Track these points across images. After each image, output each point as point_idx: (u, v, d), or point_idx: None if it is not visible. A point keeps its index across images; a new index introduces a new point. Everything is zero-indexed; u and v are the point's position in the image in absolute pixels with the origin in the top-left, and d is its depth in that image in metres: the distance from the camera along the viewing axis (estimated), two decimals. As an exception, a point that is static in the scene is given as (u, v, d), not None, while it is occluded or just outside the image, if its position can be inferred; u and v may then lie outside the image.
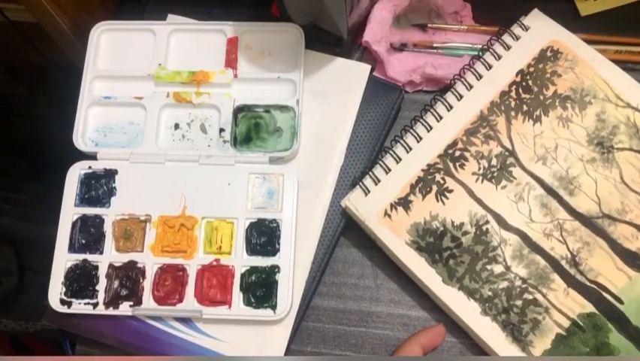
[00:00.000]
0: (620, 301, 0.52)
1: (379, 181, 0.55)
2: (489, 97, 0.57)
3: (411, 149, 0.56)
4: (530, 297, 0.53)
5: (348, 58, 0.60)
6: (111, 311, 0.53)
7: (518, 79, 0.58)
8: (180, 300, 0.53)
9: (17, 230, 0.78)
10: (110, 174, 0.57)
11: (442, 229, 0.54)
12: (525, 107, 0.57)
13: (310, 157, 0.58)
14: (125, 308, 0.53)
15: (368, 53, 0.61)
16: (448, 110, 0.57)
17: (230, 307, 0.53)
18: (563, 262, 0.53)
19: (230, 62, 0.60)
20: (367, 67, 0.60)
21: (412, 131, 0.57)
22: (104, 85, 0.60)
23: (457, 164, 0.56)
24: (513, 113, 0.57)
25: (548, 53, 0.58)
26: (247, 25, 0.61)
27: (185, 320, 0.54)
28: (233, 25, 0.61)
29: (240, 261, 0.54)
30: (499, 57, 0.58)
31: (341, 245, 0.58)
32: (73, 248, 0.55)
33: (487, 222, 0.54)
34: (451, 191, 0.55)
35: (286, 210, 0.56)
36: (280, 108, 0.59)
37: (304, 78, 0.59)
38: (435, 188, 0.55)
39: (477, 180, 0.56)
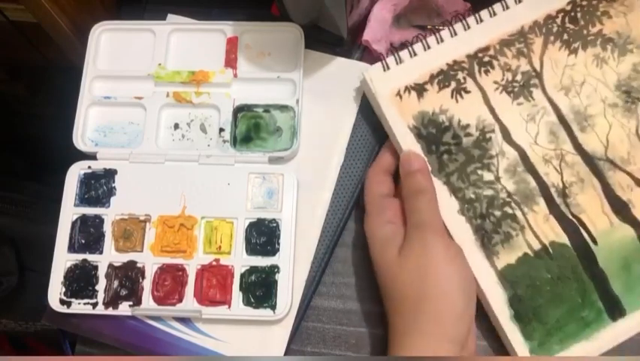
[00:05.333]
0: (595, 242, 0.53)
1: (402, 62, 0.56)
2: (534, 16, 0.57)
3: (442, 41, 0.56)
4: (510, 211, 0.54)
5: (348, 58, 0.60)
6: (111, 311, 0.53)
7: (569, 8, 0.58)
8: (180, 300, 0.53)
9: (17, 230, 0.78)
10: (110, 174, 0.57)
11: (447, 124, 0.55)
12: (566, 36, 0.57)
13: (310, 157, 0.58)
14: (124, 308, 0.53)
15: (368, 52, 0.61)
16: (491, 17, 0.57)
17: (229, 307, 0.53)
18: (553, 190, 0.54)
19: (230, 62, 0.60)
20: (367, 67, 0.59)
21: (449, 26, 0.57)
22: (103, 85, 0.60)
23: (483, 69, 0.56)
24: (552, 38, 0.57)
25: None
26: (247, 25, 0.61)
27: (184, 320, 0.54)
28: (233, 25, 0.61)
29: (240, 261, 0.54)
30: None
31: (341, 245, 0.58)
32: (72, 248, 0.55)
33: (493, 131, 0.55)
34: (468, 92, 0.56)
35: (286, 210, 0.56)
36: (280, 108, 0.59)
37: (304, 78, 0.59)
38: (454, 84, 0.56)
39: (496, 89, 0.56)
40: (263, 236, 0.55)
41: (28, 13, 0.63)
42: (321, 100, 0.59)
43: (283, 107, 0.58)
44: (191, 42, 0.61)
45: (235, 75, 0.59)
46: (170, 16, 0.63)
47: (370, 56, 0.61)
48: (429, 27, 0.61)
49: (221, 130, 0.58)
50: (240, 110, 0.59)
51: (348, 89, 0.59)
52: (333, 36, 0.58)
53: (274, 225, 0.55)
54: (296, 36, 0.60)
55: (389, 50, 0.57)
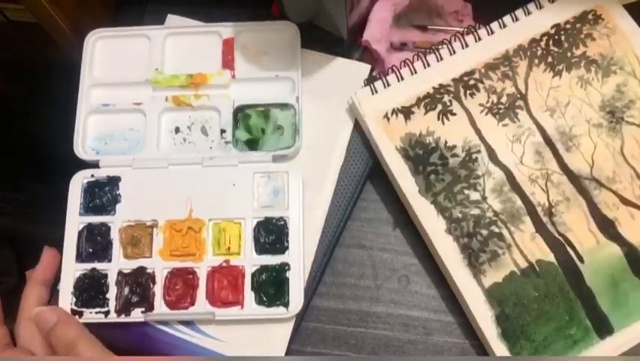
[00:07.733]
0: (581, 260, 0.54)
1: (389, 85, 0.57)
2: (518, 40, 0.59)
3: (429, 65, 0.58)
4: (497, 230, 0.55)
5: (348, 58, 0.60)
6: (123, 319, 0.54)
7: (552, 31, 0.59)
8: (192, 303, 0.54)
9: (17, 230, 0.78)
10: (114, 182, 0.57)
11: (433, 145, 0.56)
12: (550, 59, 0.58)
13: (310, 157, 0.58)
14: (137, 315, 0.53)
15: (368, 52, 0.61)
16: (476, 42, 0.58)
17: (242, 307, 0.54)
18: (539, 209, 0.55)
19: (228, 63, 0.60)
20: (367, 67, 0.60)
21: (435, 51, 0.58)
22: (101, 92, 0.60)
23: (469, 92, 0.57)
24: (536, 61, 0.58)
25: (590, 16, 0.59)
26: (242, 26, 0.60)
27: (187, 321, 0.54)
28: (228, 26, 0.60)
29: (250, 260, 0.55)
30: (541, 7, 0.59)
31: (341, 245, 0.58)
32: (80, 258, 0.55)
33: (479, 152, 0.56)
34: (454, 114, 0.57)
35: (293, 208, 0.56)
36: (280, 106, 0.59)
37: (304, 78, 0.59)
38: (440, 107, 0.57)
39: (482, 111, 0.57)
40: (271, 235, 0.55)
41: (28, 13, 0.62)
42: (321, 101, 0.59)
43: (283, 106, 0.59)
44: (187, 45, 0.61)
45: (233, 76, 0.59)
46: (170, 17, 0.62)
47: (370, 56, 0.61)
48: (429, 27, 0.61)
49: (223, 131, 0.58)
50: (239, 111, 0.59)
51: (348, 89, 0.58)
52: (333, 36, 0.58)
53: (282, 223, 0.56)
54: (292, 34, 0.60)
55: (379, 73, 0.58)
